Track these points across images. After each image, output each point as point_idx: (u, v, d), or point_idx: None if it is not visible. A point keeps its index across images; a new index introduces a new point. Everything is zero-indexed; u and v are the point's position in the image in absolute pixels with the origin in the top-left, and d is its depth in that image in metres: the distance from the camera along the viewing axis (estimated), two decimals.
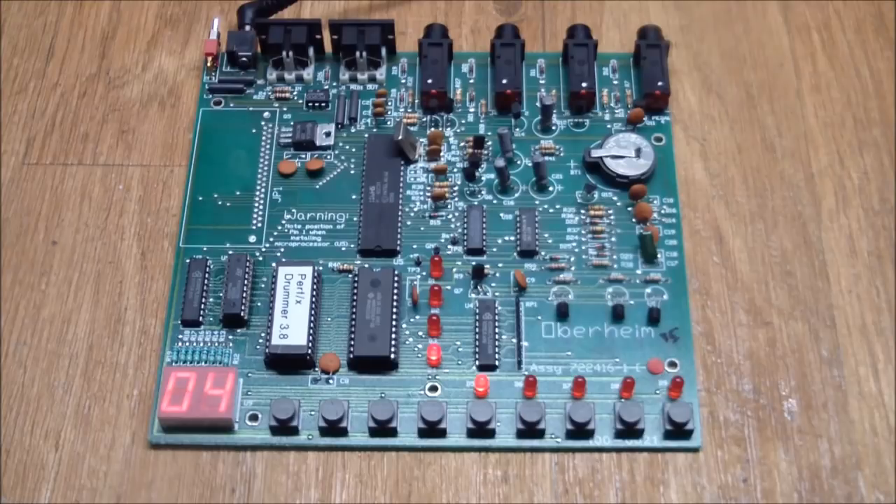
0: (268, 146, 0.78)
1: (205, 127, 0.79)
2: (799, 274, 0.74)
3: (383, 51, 0.81)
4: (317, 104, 0.80)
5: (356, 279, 0.72)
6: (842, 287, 0.73)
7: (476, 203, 0.76)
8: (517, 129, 0.79)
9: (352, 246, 0.74)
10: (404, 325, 0.72)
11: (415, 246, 0.74)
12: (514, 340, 0.71)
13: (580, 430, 0.68)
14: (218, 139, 0.79)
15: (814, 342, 0.71)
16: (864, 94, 0.81)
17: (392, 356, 0.70)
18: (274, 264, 0.73)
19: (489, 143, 0.78)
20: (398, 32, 0.82)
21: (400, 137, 0.76)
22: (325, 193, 0.77)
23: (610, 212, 0.75)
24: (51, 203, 0.77)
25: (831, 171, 0.78)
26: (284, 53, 0.80)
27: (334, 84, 0.81)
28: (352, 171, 0.77)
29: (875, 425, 0.69)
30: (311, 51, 0.81)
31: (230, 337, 0.71)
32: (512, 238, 0.75)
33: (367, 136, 0.78)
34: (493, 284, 0.73)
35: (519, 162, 0.77)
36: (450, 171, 0.77)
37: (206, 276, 0.73)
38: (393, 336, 0.70)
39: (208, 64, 0.81)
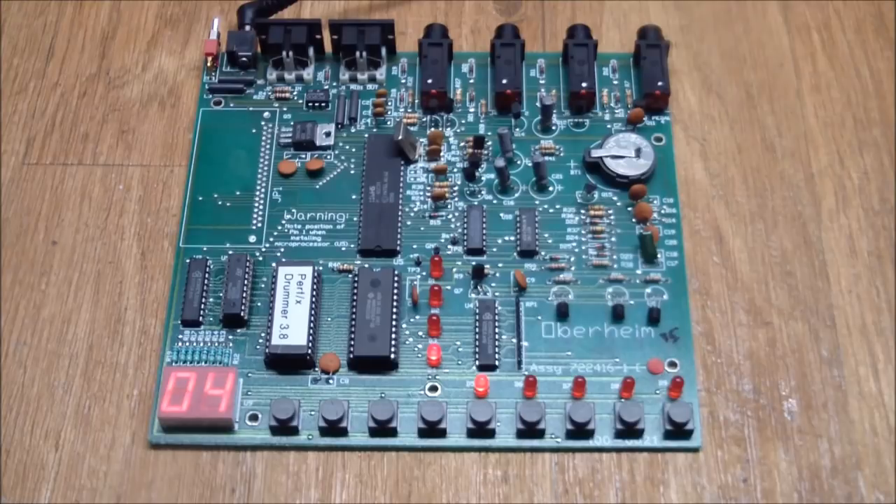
0: (268, 146, 0.78)
1: (205, 127, 0.79)
2: (799, 274, 0.74)
3: (383, 51, 0.81)
4: (317, 104, 0.80)
5: (356, 279, 0.72)
6: (842, 287, 0.73)
7: (476, 203, 0.76)
8: (517, 129, 0.79)
9: (352, 246, 0.74)
10: (404, 325, 0.72)
11: (415, 246, 0.74)
12: (514, 340, 0.71)
13: (580, 430, 0.68)
14: (218, 139, 0.79)
15: (814, 342, 0.71)
16: (864, 94, 0.81)
17: (392, 356, 0.70)
18: (274, 264, 0.73)
19: (489, 143, 0.78)
20: (398, 32, 0.82)
21: (400, 137, 0.76)
22: (325, 193, 0.77)
23: (610, 212, 0.75)
24: (51, 203, 0.77)
25: (831, 171, 0.78)
26: (284, 53, 0.80)
27: (334, 84, 0.81)
28: (352, 171, 0.77)
29: (875, 425, 0.69)
30: (311, 51, 0.81)
31: (230, 337, 0.71)
32: (512, 238, 0.75)
33: (367, 136, 0.78)
34: (493, 284, 0.73)
35: (519, 162, 0.77)
36: (450, 171, 0.77)
37: (206, 276, 0.73)
38: (393, 336, 0.70)
39: (208, 64, 0.81)
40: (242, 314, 0.71)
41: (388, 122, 0.79)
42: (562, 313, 0.71)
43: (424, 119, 0.79)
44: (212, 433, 0.68)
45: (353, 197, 0.76)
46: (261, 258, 0.74)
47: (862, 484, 0.67)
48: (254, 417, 0.69)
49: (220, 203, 0.76)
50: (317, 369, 0.70)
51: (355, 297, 0.71)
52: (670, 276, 0.73)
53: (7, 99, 0.81)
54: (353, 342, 0.70)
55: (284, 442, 0.68)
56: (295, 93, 0.80)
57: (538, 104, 0.79)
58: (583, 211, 0.75)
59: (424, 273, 0.73)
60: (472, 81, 0.81)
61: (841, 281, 0.73)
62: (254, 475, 0.68)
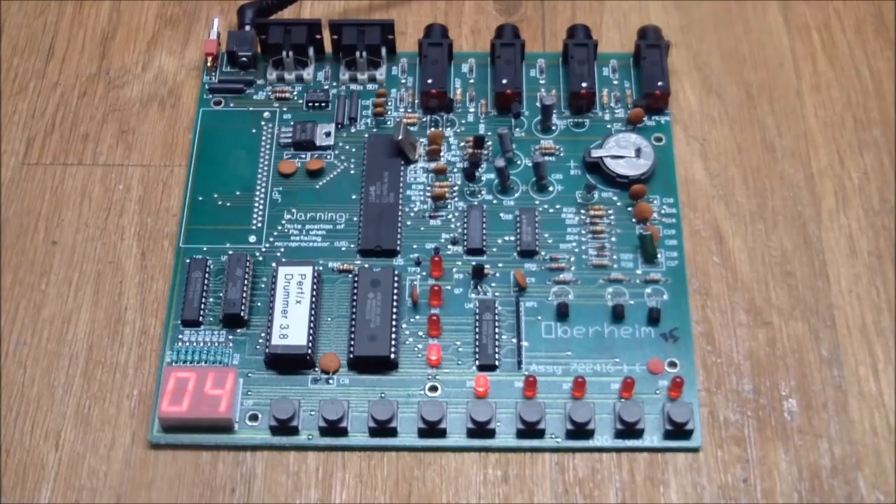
0: (268, 146, 0.78)
1: (205, 127, 0.79)
2: (799, 274, 0.74)
3: (383, 51, 0.81)
4: (317, 104, 0.80)
5: (356, 279, 0.72)
6: (842, 287, 0.73)
7: (476, 203, 0.76)
8: (517, 129, 0.79)
9: (352, 246, 0.74)
10: (404, 325, 0.72)
11: (415, 246, 0.74)
12: (514, 340, 0.71)
13: (580, 430, 0.68)
14: (218, 139, 0.79)
15: (814, 342, 0.71)
16: (864, 94, 0.81)
17: (392, 356, 0.70)
18: (274, 264, 0.73)
19: (489, 143, 0.78)
20: (398, 32, 0.82)
21: (400, 137, 0.76)
22: (325, 193, 0.77)
23: (610, 212, 0.75)
24: (51, 203, 0.77)
25: (831, 171, 0.78)
26: (284, 53, 0.80)
27: (334, 84, 0.81)
28: (352, 171, 0.77)
29: (875, 425, 0.69)
30: (311, 51, 0.81)
31: (230, 337, 0.71)
32: (512, 238, 0.75)
33: (367, 136, 0.78)
34: (493, 284, 0.73)
35: (519, 162, 0.77)
36: (450, 171, 0.77)
37: (206, 276, 0.73)
38: (393, 336, 0.70)
39: (208, 64, 0.81)
40: (242, 314, 0.71)
41: (388, 122, 0.79)
42: (562, 313, 0.71)
43: (424, 119, 0.79)
44: (212, 433, 0.68)
45: (353, 197, 0.76)
46: (261, 258, 0.74)
47: (862, 484, 0.67)
48: (254, 417, 0.69)
49: (220, 203, 0.76)
50: (317, 369, 0.70)
51: (355, 297, 0.71)
52: (670, 276, 0.73)
53: (7, 99, 0.81)
54: (353, 342, 0.70)
55: (284, 442, 0.68)
56: (295, 93, 0.80)
57: (538, 104, 0.79)
58: (583, 211, 0.75)
59: (424, 273, 0.73)
60: (472, 81, 0.81)
61: (841, 281, 0.73)
62: (254, 475, 0.68)
